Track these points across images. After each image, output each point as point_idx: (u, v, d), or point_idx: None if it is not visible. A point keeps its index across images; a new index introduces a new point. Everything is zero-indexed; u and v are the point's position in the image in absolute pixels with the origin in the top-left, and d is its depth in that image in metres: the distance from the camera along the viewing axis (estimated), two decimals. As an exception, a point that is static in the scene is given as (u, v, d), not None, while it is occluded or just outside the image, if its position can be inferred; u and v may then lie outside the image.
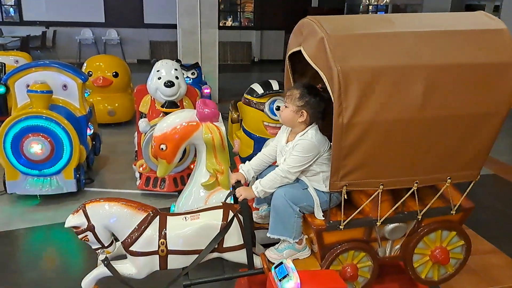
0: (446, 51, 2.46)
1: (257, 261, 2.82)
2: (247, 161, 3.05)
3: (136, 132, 5.25)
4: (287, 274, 2.30)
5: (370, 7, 18.70)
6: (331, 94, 2.34)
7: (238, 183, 2.91)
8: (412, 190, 2.64)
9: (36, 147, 4.66)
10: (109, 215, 2.68)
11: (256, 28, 17.28)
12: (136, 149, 5.35)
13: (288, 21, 16.00)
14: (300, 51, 2.66)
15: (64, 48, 15.47)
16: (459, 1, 11.17)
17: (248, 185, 2.99)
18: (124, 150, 6.53)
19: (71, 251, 4.10)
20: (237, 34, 17.22)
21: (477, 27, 2.59)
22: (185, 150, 4.72)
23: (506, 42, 2.52)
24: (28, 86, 4.78)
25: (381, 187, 2.58)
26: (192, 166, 4.72)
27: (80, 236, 2.66)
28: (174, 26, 9.83)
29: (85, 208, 2.64)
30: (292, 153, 2.67)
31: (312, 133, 2.69)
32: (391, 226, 2.77)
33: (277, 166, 2.82)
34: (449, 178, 2.69)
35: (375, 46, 2.42)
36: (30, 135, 4.64)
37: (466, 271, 3.49)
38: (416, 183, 2.63)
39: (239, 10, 17.80)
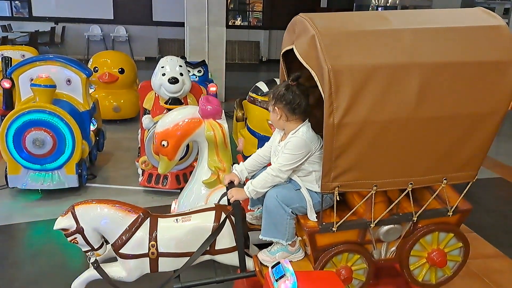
0: (442, 49, 2.39)
1: (250, 263, 2.78)
2: (241, 162, 3.00)
3: (140, 129, 5.24)
4: (284, 275, 2.27)
5: (379, 9, 18.61)
6: (322, 93, 2.28)
7: (231, 184, 2.86)
8: (406, 191, 2.59)
9: (38, 142, 4.65)
10: (99, 217, 2.62)
11: (264, 28, 17.24)
12: (139, 145, 5.34)
13: (297, 21, 16.10)
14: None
15: (73, 44, 15.51)
16: (469, 4, 11.09)
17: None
18: (128, 147, 6.52)
19: (71, 247, 4.02)
20: (246, 33, 17.18)
21: (475, 24, 2.51)
22: (188, 148, 4.72)
23: (505, 39, 2.44)
24: (32, 80, 4.76)
25: (375, 188, 2.52)
26: (195, 164, 4.69)
27: (69, 239, 2.61)
28: (182, 24, 9.82)
29: (74, 210, 2.58)
30: (284, 151, 2.62)
31: (303, 131, 2.64)
32: (386, 228, 2.71)
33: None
34: (445, 179, 2.62)
35: (369, 44, 2.35)
36: (32, 129, 4.63)
37: (469, 276, 3.45)
38: (411, 184, 2.57)
39: (248, 10, 17.77)
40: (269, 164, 2.88)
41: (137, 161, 5.16)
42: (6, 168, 4.82)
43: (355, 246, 2.72)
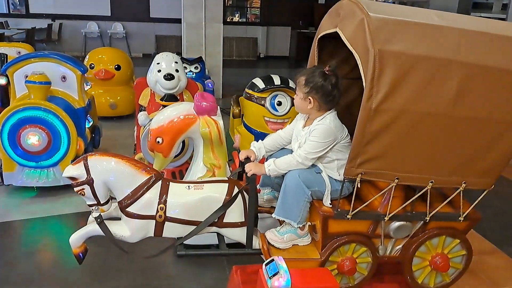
0: (486, 52, 2.41)
1: (255, 243, 2.76)
2: (259, 140, 2.98)
3: (136, 125, 5.22)
4: (278, 272, 2.25)
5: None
6: (363, 77, 2.28)
7: (247, 160, 2.85)
8: (425, 189, 2.59)
9: (33, 139, 4.62)
10: (110, 171, 2.56)
11: (262, 24, 17.21)
12: (135, 142, 5.31)
13: (295, 18, 16.08)
14: (331, 34, 2.61)
15: (70, 41, 15.48)
16: (466, 1, 11.04)
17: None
18: (124, 144, 6.48)
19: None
20: (243, 29, 17.14)
21: None
22: (183, 145, 4.69)
23: None
24: (26, 77, 4.73)
25: (396, 181, 2.52)
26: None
27: (76, 189, 2.54)
28: (180, 21, 9.77)
29: (86, 160, 2.52)
30: (309, 139, 2.62)
31: (330, 119, 2.64)
32: (397, 224, 2.72)
33: (289, 149, 2.78)
34: (464, 183, 2.62)
35: (417, 35, 2.37)
36: (27, 126, 4.60)
37: (465, 272, 3.43)
38: (431, 182, 2.57)
39: (246, 6, 17.73)
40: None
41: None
42: (1, 166, 4.80)
43: (364, 238, 2.73)
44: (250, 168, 2.70)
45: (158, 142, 3.37)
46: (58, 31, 15.34)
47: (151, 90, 4.95)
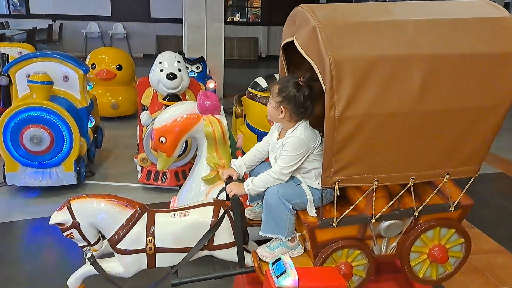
0: (446, 41, 2.34)
1: (249, 259, 2.75)
2: (239, 157, 2.96)
3: (138, 125, 5.20)
4: (285, 271, 2.23)
5: None
6: (323, 85, 2.24)
7: (229, 179, 2.82)
8: (408, 186, 2.55)
9: (36, 139, 4.61)
10: (95, 212, 2.59)
11: (263, 24, 17.20)
12: (138, 142, 5.30)
13: (295, 17, 16.06)
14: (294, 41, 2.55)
15: (70, 41, 15.46)
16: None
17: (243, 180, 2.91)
18: (126, 144, 6.48)
19: (70, 244, 4.01)
20: (244, 29, 17.13)
21: (478, 15, 2.46)
22: (187, 144, 4.68)
23: (509, 31, 2.39)
24: (28, 76, 4.72)
25: (376, 183, 2.48)
26: (193, 161, 4.66)
27: (65, 234, 2.58)
28: (181, 21, 9.77)
29: (70, 204, 2.56)
30: (282, 153, 2.58)
31: (301, 130, 2.58)
32: (387, 223, 2.67)
33: (269, 162, 2.74)
34: (447, 174, 2.58)
35: (371, 35, 2.30)
36: (30, 126, 4.59)
37: (471, 271, 3.42)
38: (413, 179, 2.52)
39: (247, 6, 17.71)
40: (267, 159, 2.85)
41: (136, 158, 5.13)
42: (3, 166, 4.78)
43: (355, 241, 2.69)
44: (231, 189, 2.69)
45: (162, 141, 3.36)
46: (59, 32, 15.34)
47: (153, 89, 4.94)
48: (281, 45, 2.80)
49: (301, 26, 2.43)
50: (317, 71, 2.25)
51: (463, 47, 2.34)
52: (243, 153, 4.98)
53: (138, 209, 2.67)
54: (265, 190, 2.62)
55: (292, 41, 2.52)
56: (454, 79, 2.33)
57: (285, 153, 2.55)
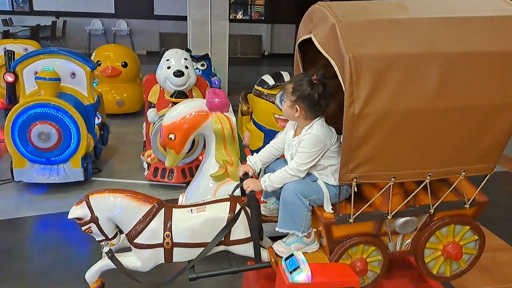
0: (463, 39, 2.36)
1: (264, 255, 2.78)
2: (254, 153, 2.99)
3: (145, 122, 5.21)
4: (298, 266, 2.25)
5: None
6: (342, 83, 2.25)
7: (245, 175, 2.86)
8: (424, 183, 2.57)
9: (43, 135, 4.63)
10: (113, 207, 2.63)
11: (266, 22, 17.19)
12: (145, 139, 5.31)
13: (299, 15, 16.03)
14: (310, 39, 2.57)
15: (74, 38, 15.49)
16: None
17: (257, 177, 2.93)
18: (132, 141, 6.50)
19: (78, 240, 4.07)
20: (248, 27, 17.13)
21: (493, 13, 2.48)
22: (194, 141, 4.69)
23: None
24: (36, 73, 4.73)
25: (393, 180, 2.50)
26: (201, 158, 4.67)
27: (83, 228, 2.62)
28: (184, 18, 9.77)
29: (88, 199, 2.59)
30: (299, 150, 2.61)
31: (317, 127, 2.61)
32: (402, 220, 2.70)
33: (284, 159, 2.76)
34: (463, 171, 2.60)
35: (389, 33, 2.33)
36: (37, 122, 4.60)
37: (478, 268, 3.42)
38: (429, 176, 2.55)
39: (250, 3, 17.70)
40: (282, 156, 2.87)
41: (143, 155, 5.13)
42: (11, 162, 4.79)
43: (370, 238, 2.71)
44: (248, 185, 2.73)
45: (171, 138, 3.36)
46: (62, 28, 15.36)
47: (160, 87, 4.95)
48: (297, 43, 2.81)
49: (319, 24, 2.45)
50: (336, 68, 2.28)
51: (479, 45, 2.36)
52: (250, 151, 5.01)
53: (156, 204, 2.70)
54: (282, 187, 2.64)
55: (307, 39, 2.54)
56: (470, 77, 2.35)
57: (302, 150, 2.58)
